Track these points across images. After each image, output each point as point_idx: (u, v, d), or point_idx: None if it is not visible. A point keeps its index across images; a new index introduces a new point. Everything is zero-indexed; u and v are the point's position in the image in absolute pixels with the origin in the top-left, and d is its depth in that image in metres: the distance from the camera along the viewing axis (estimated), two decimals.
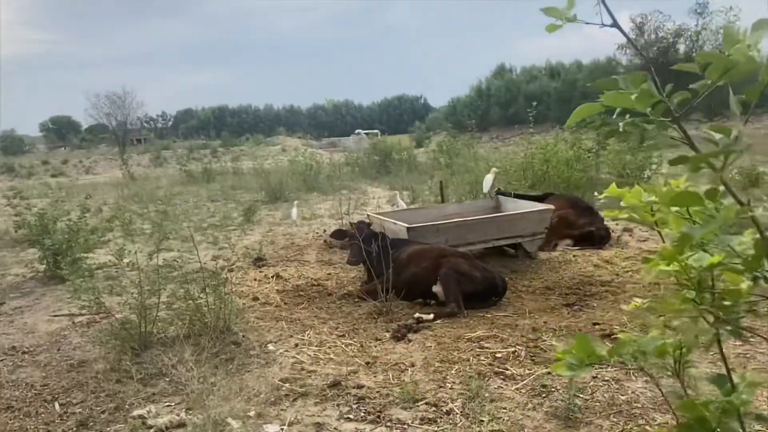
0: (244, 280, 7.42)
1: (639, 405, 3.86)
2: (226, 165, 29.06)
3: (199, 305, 5.48)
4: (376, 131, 52.19)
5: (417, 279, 6.16)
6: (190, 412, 4.12)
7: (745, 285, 1.06)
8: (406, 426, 3.81)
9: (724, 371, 1.11)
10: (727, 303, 1.05)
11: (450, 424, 3.80)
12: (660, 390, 1.14)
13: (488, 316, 5.75)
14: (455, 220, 7.23)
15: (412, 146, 29.87)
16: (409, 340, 5.25)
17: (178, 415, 4.09)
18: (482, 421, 3.78)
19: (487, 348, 4.94)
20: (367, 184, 19.18)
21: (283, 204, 14.56)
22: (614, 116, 1.20)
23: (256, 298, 6.62)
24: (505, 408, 3.95)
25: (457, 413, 3.91)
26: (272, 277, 7.48)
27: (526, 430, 3.67)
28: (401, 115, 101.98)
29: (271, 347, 5.25)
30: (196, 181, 22.83)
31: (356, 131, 53.91)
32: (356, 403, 4.15)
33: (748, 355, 4.52)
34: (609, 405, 3.89)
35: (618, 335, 4.91)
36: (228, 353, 5.09)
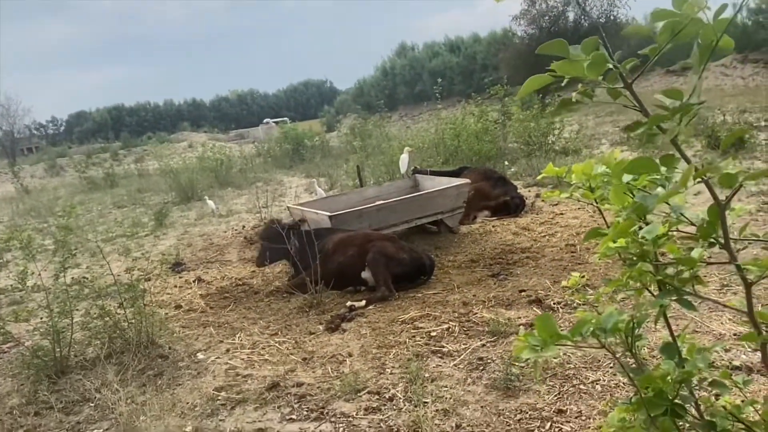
0: (164, 288, 7.08)
1: (571, 366, 4.01)
2: (130, 167, 27.64)
3: (117, 321, 5.18)
4: (285, 119, 51.19)
5: (345, 267, 6.10)
6: None
7: (696, 253, 1.07)
8: (350, 418, 3.76)
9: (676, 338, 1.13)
10: (670, 272, 1.07)
11: (394, 410, 3.79)
12: (622, 366, 1.14)
13: (419, 295, 5.79)
14: (377, 203, 7.21)
15: (323, 131, 29.62)
16: (344, 330, 5.20)
17: None
18: (425, 402, 3.80)
19: (421, 328, 4.97)
20: (282, 174, 18.82)
21: (196, 203, 14.02)
22: (563, 84, 1.16)
23: (179, 306, 6.34)
24: (446, 386, 3.99)
25: (400, 398, 3.91)
26: (194, 281, 7.19)
27: (468, 405, 3.73)
28: (309, 101, 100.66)
29: (200, 356, 5.04)
30: (98, 187, 21.53)
31: (264, 120, 52.70)
32: (297, 402, 4.06)
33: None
34: (543, 369, 4.01)
35: (543, 300, 5.08)
36: (155, 368, 4.84)
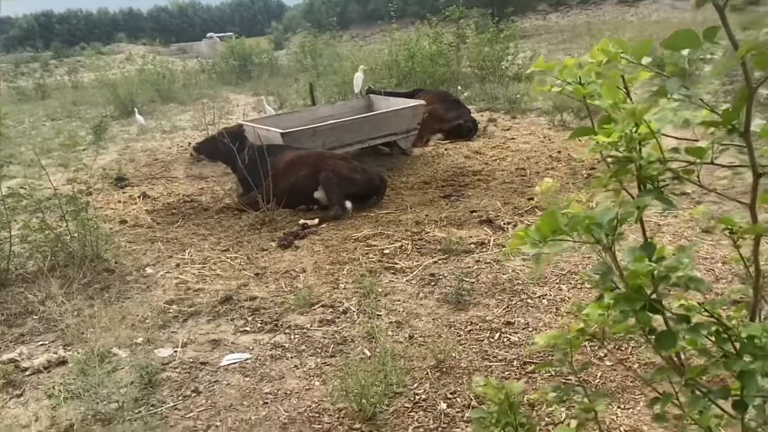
0: (108, 203, 6.83)
1: (519, 281, 4.15)
2: (62, 79, 25.93)
3: (59, 234, 4.98)
4: (230, 34, 48.67)
5: (297, 186, 6.01)
6: (69, 347, 3.82)
7: (704, 143, 1.07)
8: (305, 330, 3.82)
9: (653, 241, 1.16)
10: (654, 171, 1.07)
11: (348, 322, 3.86)
12: (612, 260, 1.16)
13: (372, 215, 5.80)
14: (331, 122, 7.06)
15: (271, 48, 28.43)
16: (297, 247, 5.19)
17: (55, 353, 3.77)
18: (379, 315, 3.88)
19: (374, 246, 5.01)
20: (228, 91, 18.10)
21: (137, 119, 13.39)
22: None
23: (124, 221, 6.14)
24: (398, 300, 4.08)
25: (353, 311, 3.98)
26: (139, 197, 6.96)
27: (420, 317, 3.83)
28: (255, 16, 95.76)
29: (149, 270, 4.95)
30: (28, 99, 20.17)
31: (208, 35, 49.96)
32: (251, 314, 4.07)
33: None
34: (493, 285, 4.14)
35: (493, 220, 5.18)
36: (102, 282, 4.72)
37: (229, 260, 5.01)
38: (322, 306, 4.10)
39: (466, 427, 2.75)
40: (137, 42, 55.68)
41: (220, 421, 3.02)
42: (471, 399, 2.93)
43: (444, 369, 3.22)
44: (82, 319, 4.13)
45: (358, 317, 3.90)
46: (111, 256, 5.18)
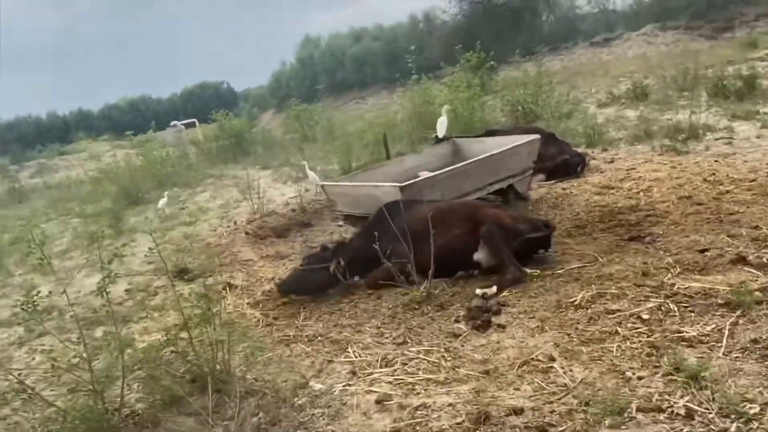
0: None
1: None
2: (29, 182, 24.14)
3: (183, 351, 3.53)
4: (193, 120, 47.95)
5: (448, 249, 4.66)
6: None
7: None
8: None
9: None
10: None
11: (709, 428, 2.50)
12: None
13: (559, 272, 4.49)
14: (449, 169, 5.83)
15: (251, 126, 27.50)
16: (500, 326, 3.82)
17: None
18: (753, 415, 2.53)
19: (617, 311, 3.68)
20: (231, 169, 16.79)
21: (147, 206, 11.92)
22: None
23: (226, 323, 4.65)
24: (747, 386, 2.74)
25: (703, 412, 2.62)
26: (223, 289, 5.49)
27: None
28: (206, 104, 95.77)
29: (318, 386, 3.49)
30: (3, 204, 18.46)
31: (172, 123, 48.87)
32: None
33: None
34: None
35: (746, 257, 3.91)
36: (263, 414, 3.24)
37: (423, 357, 3.60)
38: (640, 410, 2.72)
39: None
40: (99, 139, 53.85)
41: None
42: None
43: None
44: None
45: (721, 421, 2.54)
46: (245, 372, 3.73)
